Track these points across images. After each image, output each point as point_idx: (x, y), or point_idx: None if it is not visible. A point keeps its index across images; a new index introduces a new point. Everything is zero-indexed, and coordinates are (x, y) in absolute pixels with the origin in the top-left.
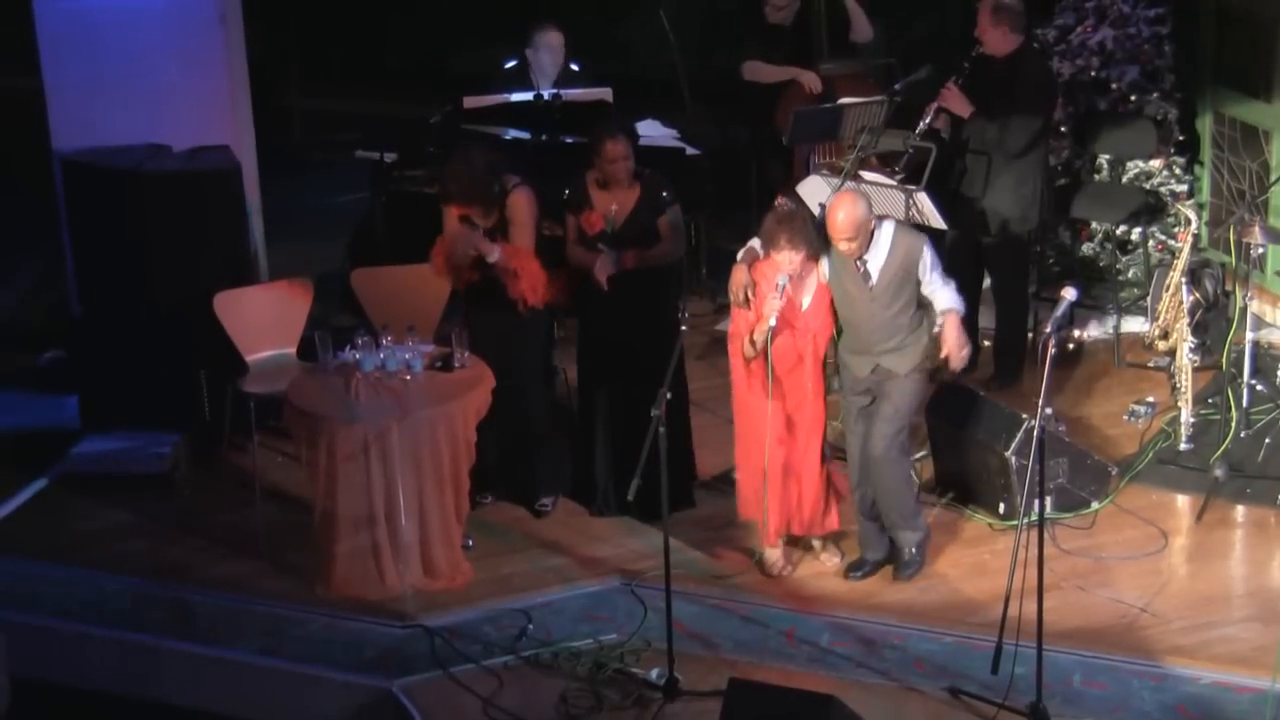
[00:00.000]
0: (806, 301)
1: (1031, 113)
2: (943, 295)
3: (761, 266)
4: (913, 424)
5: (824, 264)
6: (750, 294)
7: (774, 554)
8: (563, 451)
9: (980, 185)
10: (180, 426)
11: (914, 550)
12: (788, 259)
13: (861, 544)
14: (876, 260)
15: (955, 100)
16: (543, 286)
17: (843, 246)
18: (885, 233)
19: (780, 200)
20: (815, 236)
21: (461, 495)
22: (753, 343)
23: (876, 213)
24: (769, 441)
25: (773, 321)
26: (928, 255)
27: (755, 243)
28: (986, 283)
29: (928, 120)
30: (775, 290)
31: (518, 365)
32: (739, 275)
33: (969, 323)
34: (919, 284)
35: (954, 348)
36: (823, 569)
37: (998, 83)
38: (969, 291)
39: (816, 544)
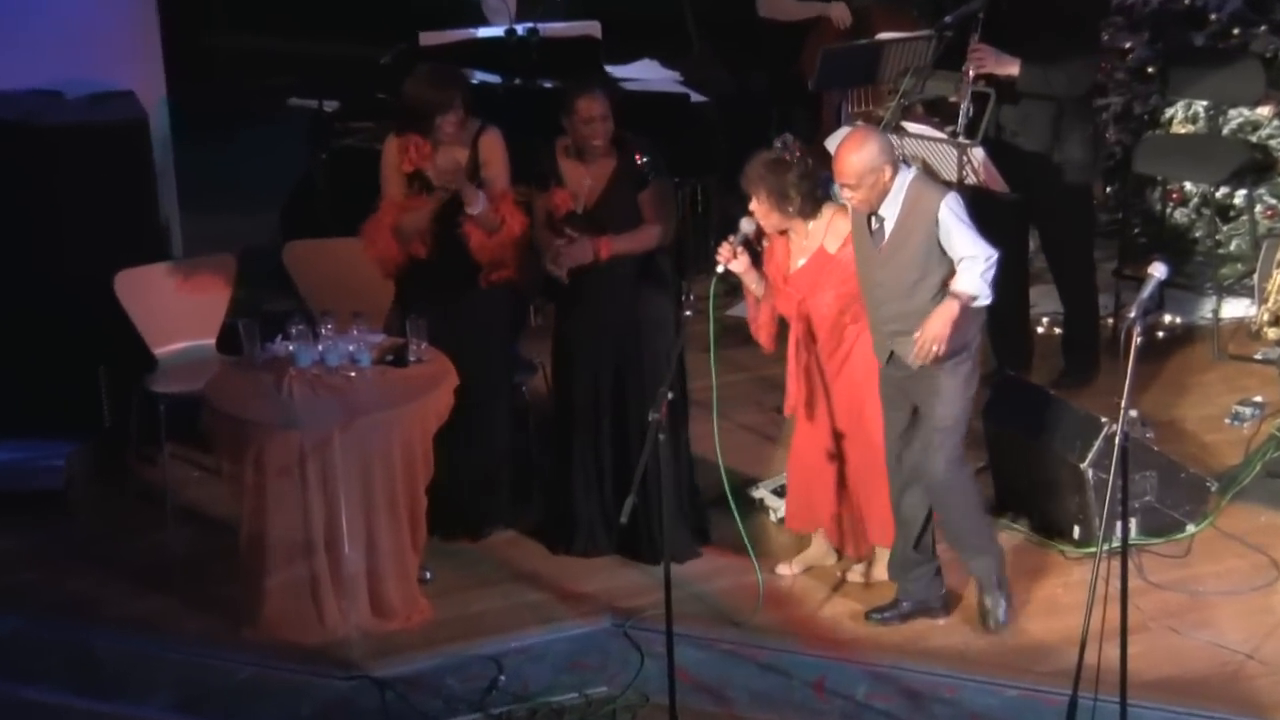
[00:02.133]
0: (801, 262)
1: (1091, 31)
2: (959, 273)
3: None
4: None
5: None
6: (758, 242)
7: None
8: (532, 470)
9: (1047, 136)
10: (77, 434)
11: (994, 580)
12: (763, 215)
13: (896, 577)
14: (890, 216)
15: (992, 60)
16: (510, 250)
17: (845, 195)
18: (900, 183)
19: (783, 139)
20: (811, 193)
21: (418, 517)
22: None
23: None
24: (830, 425)
25: (719, 269)
26: (946, 215)
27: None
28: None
29: (969, 87)
30: (733, 238)
31: (474, 361)
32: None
33: (1011, 310)
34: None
35: (922, 340)
36: (856, 608)
37: (1030, 12)
38: (1014, 269)
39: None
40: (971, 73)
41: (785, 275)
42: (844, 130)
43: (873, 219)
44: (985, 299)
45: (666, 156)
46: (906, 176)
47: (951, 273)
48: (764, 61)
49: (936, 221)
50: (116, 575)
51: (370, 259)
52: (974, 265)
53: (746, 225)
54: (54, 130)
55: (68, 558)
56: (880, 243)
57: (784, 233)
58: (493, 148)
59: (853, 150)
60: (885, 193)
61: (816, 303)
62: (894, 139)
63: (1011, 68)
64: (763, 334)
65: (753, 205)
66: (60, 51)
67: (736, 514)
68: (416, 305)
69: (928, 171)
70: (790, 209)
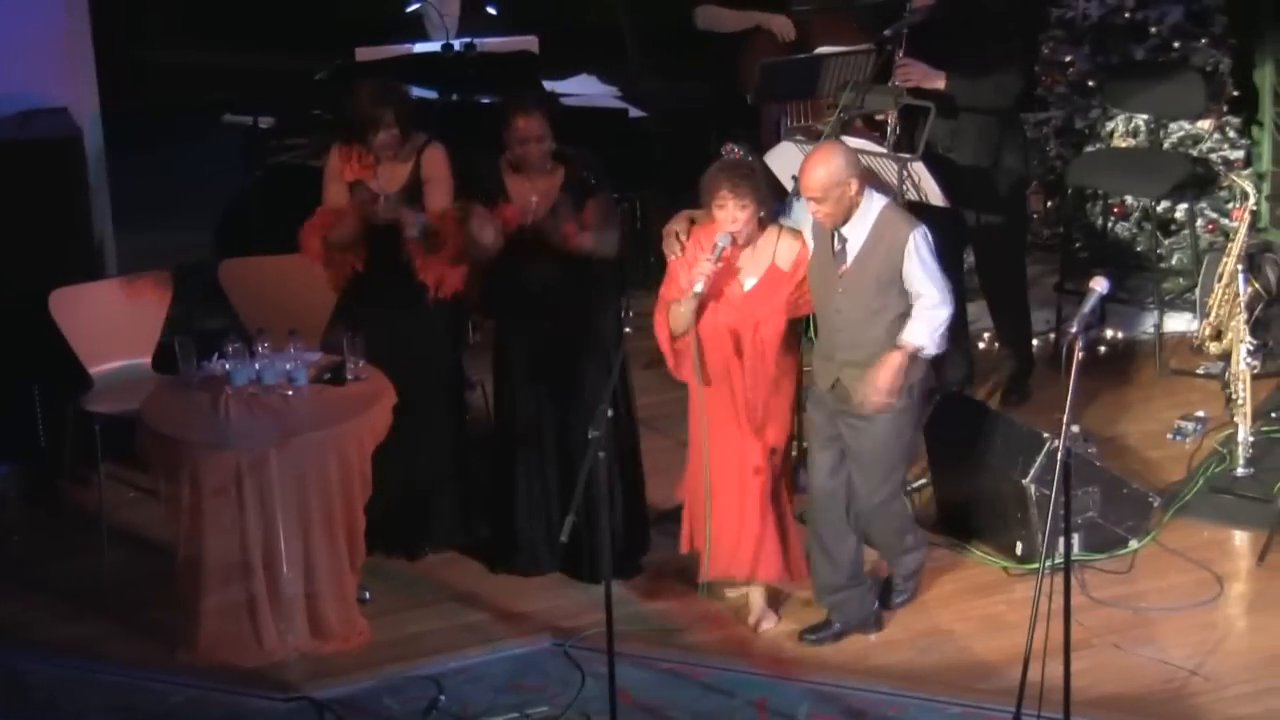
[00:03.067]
0: (751, 282)
1: (1019, 42)
2: (912, 321)
3: (703, 231)
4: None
5: (806, 232)
6: (682, 241)
7: (736, 596)
8: (474, 489)
9: (979, 149)
10: (10, 454)
11: (907, 576)
12: (730, 216)
13: (825, 603)
14: (856, 238)
15: (919, 73)
16: (457, 268)
17: (811, 208)
18: (872, 209)
19: (728, 147)
20: (768, 194)
21: (356, 536)
22: (678, 314)
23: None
24: (706, 448)
25: (699, 287)
26: (914, 248)
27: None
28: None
29: (906, 100)
30: (710, 252)
31: (416, 378)
32: (674, 222)
33: (951, 326)
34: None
35: (871, 390)
36: (796, 627)
37: (957, 30)
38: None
39: (753, 597)
40: (897, 86)
41: (728, 294)
42: (782, 145)
43: (835, 238)
44: (932, 352)
45: (605, 171)
46: (877, 202)
47: (909, 309)
48: (703, 74)
49: (903, 252)
50: (49, 598)
51: (312, 259)
52: (928, 316)
53: (723, 239)
54: None
55: None
56: (842, 264)
57: (742, 246)
58: (435, 164)
59: (820, 163)
60: (851, 209)
61: (769, 324)
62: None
63: (938, 81)
64: (687, 363)
65: (729, 213)
66: None
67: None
68: (360, 319)
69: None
70: (758, 206)
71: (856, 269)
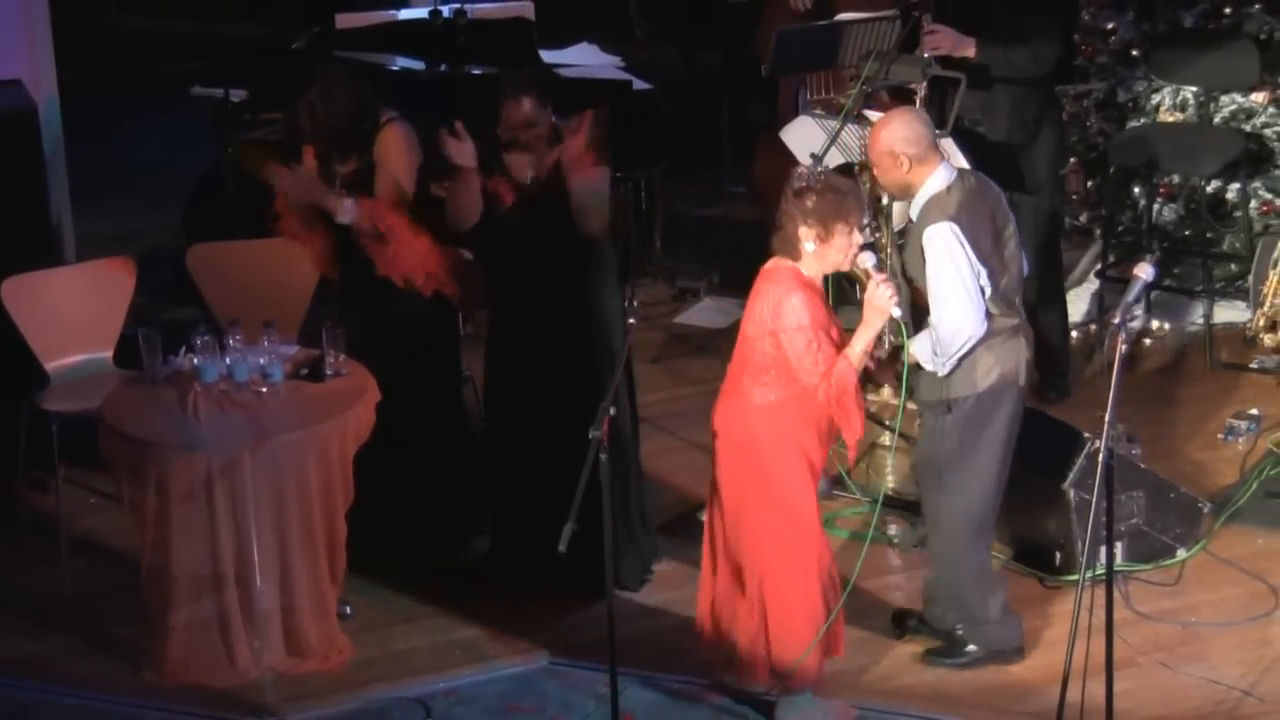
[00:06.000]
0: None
1: (1056, 10)
2: (919, 336)
3: (809, 281)
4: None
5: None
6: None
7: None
8: (471, 495)
9: (1012, 123)
10: None
11: (969, 647)
12: (857, 238)
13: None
14: (908, 215)
15: (948, 40)
16: (430, 260)
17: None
18: (928, 189)
19: (801, 172)
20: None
21: (337, 546)
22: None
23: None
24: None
25: (897, 311)
26: (930, 241)
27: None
28: None
29: (934, 71)
30: (875, 277)
31: (404, 374)
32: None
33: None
34: None
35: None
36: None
37: None
38: None
39: None
40: (928, 55)
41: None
42: (800, 119)
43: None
44: (941, 371)
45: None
46: (938, 182)
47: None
48: (715, 42)
49: (922, 242)
50: (2, 613)
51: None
52: (933, 333)
53: (869, 258)
54: None
55: None
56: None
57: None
58: (388, 145)
59: (881, 126)
60: (905, 185)
61: None
62: (855, 128)
63: (969, 49)
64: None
65: (854, 233)
66: None
67: None
68: (341, 310)
69: None
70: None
71: (907, 253)
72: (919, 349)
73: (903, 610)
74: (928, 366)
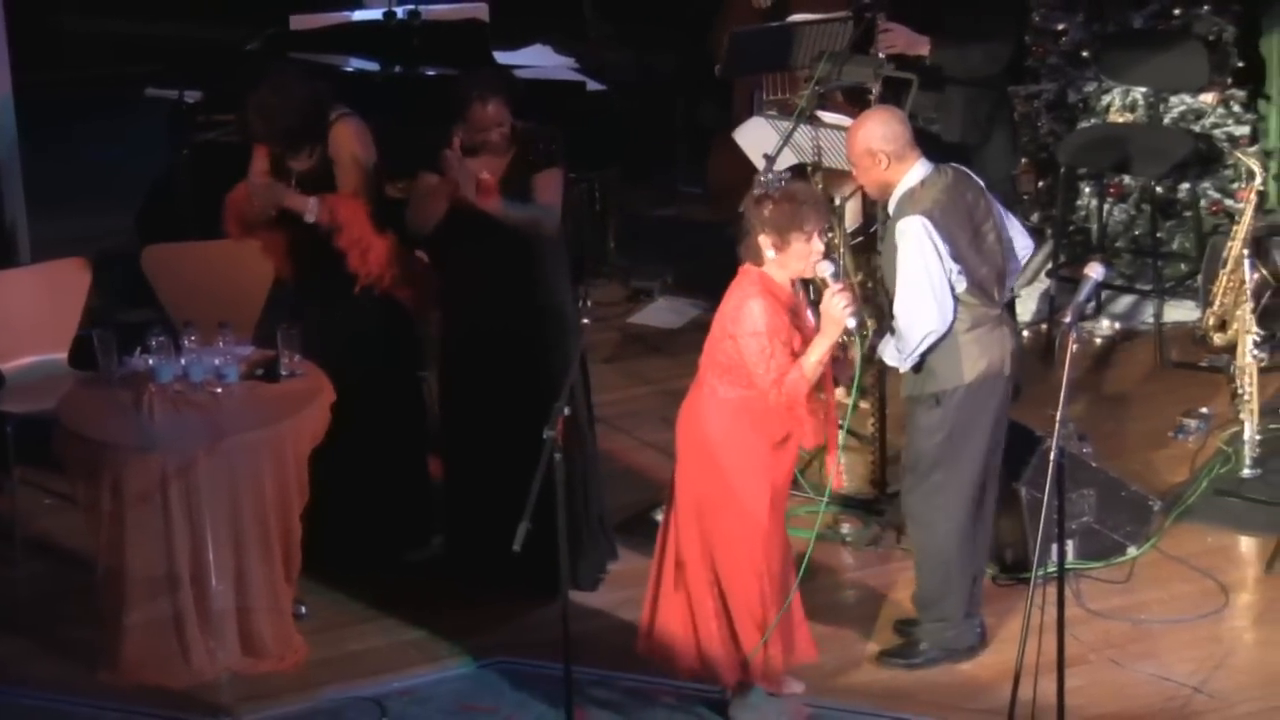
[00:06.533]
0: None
1: (1008, 10)
2: (886, 339)
3: (772, 288)
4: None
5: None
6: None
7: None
8: (426, 495)
9: (965, 122)
10: None
11: (923, 646)
12: (816, 245)
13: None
14: (860, 216)
15: (903, 39)
16: (381, 252)
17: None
18: (904, 185)
19: (766, 178)
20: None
21: (292, 546)
22: (812, 365)
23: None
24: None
25: (853, 322)
26: (900, 234)
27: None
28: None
29: (886, 71)
30: (832, 287)
31: (363, 374)
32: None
33: None
34: None
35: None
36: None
37: None
38: None
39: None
40: (882, 54)
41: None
42: (754, 120)
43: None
44: (903, 367)
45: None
46: (912, 179)
47: None
48: (669, 45)
49: (893, 236)
50: None
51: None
52: (897, 331)
53: (827, 267)
54: None
55: None
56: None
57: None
58: (344, 141)
59: (858, 126)
60: (884, 184)
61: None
62: (809, 129)
63: (922, 47)
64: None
65: (807, 240)
66: None
67: None
68: (296, 311)
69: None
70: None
71: (883, 248)
72: (885, 351)
73: (905, 622)
74: (890, 362)
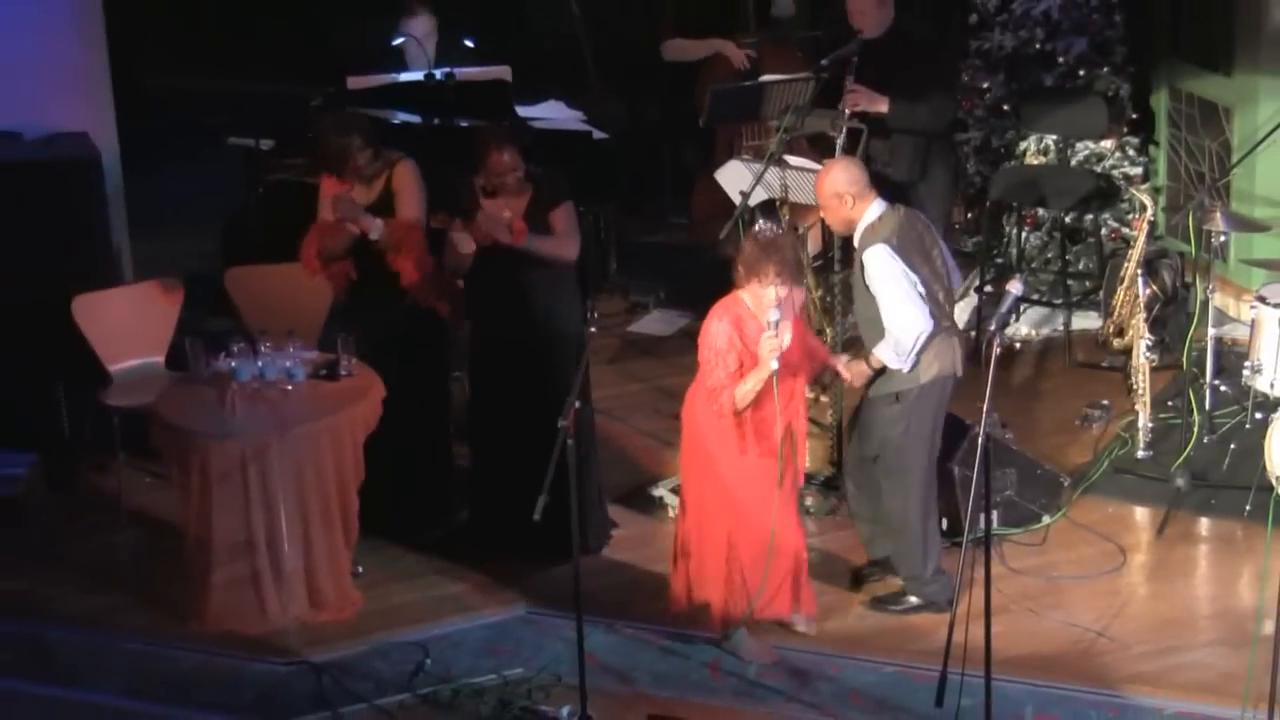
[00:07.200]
0: (787, 339)
1: (948, 74)
2: (879, 343)
3: (740, 311)
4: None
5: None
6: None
7: (755, 644)
8: (456, 477)
9: (913, 166)
10: (36, 445)
11: (908, 597)
12: (778, 295)
13: (864, 544)
14: (821, 241)
15: (865, 98)
16: (429, 268)
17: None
18: (863, 222)
19: (762, 224)
20: (803, 266)
21: (350, 517)
22: (746, 392)
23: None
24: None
25: (774, 365)
26: (868, 262)
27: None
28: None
29: (844, 123)
30: (770, 328)
31: (407, 374)
32: (721, 326)
33: None
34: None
35: (846, 376)
36: None
37: (894, 60)
38: None
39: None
40: (848, 110)
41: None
42: (731, 163)
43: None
44: (900, 367)
45: (570, 187)
46: (871, 214)
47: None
48: (657, 96)
49: (863, 263)
50: (70, 574)
51: (309, 272)
52: (888, 337)
53: (775, 314)
54: (12, 168)
55: (24, 559)
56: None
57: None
58: (402, 179)
59: (825, 174)
60: (849, 221)
61: (803, 373)
62: (777, 170)
63: (881, 105)
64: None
65: (761, 286)
66: (17, 94)
67: None
68: (353, 322)
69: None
70: (798, 282)
71: (855, 278)
72: (883, 353)
73: (858, 568)
74: (893, 366)
